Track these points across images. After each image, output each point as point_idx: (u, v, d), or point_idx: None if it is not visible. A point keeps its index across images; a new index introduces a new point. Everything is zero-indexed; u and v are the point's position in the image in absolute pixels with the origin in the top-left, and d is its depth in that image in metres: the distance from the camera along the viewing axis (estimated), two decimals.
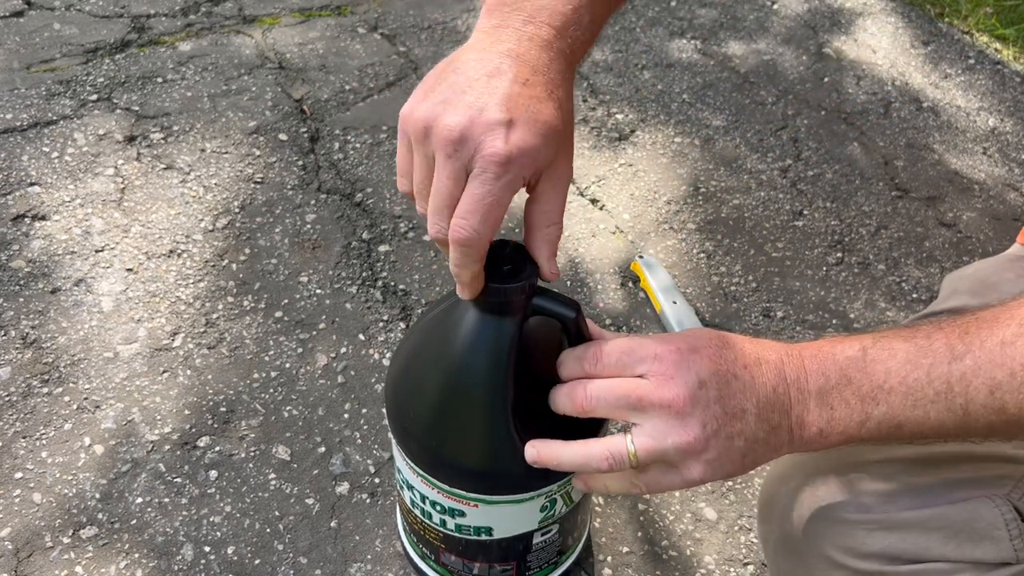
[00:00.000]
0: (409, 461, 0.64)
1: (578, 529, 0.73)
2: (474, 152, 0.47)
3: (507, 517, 0.65)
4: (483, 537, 0.66)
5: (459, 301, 0.59)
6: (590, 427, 0.62)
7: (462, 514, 0.65)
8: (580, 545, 0.76)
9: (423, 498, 0.66)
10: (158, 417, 0.89)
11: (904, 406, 0.49)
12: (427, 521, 0.68)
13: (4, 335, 0.95)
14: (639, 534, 0.83)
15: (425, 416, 0.61)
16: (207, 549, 0.79)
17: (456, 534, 0.67)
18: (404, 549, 0.77)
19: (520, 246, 0.56)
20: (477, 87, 0.48)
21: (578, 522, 0.72)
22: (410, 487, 0.67)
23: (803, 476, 0.64)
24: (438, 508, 0.65)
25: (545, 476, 0.61)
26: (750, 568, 0.81)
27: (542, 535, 0.67)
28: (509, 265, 0.56)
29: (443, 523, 0.66)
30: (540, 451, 0.55)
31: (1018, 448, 0.60)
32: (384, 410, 0.91)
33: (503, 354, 0.57)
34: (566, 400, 0.54)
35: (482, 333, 0.57)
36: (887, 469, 0.60)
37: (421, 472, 0.63)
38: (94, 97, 1.27)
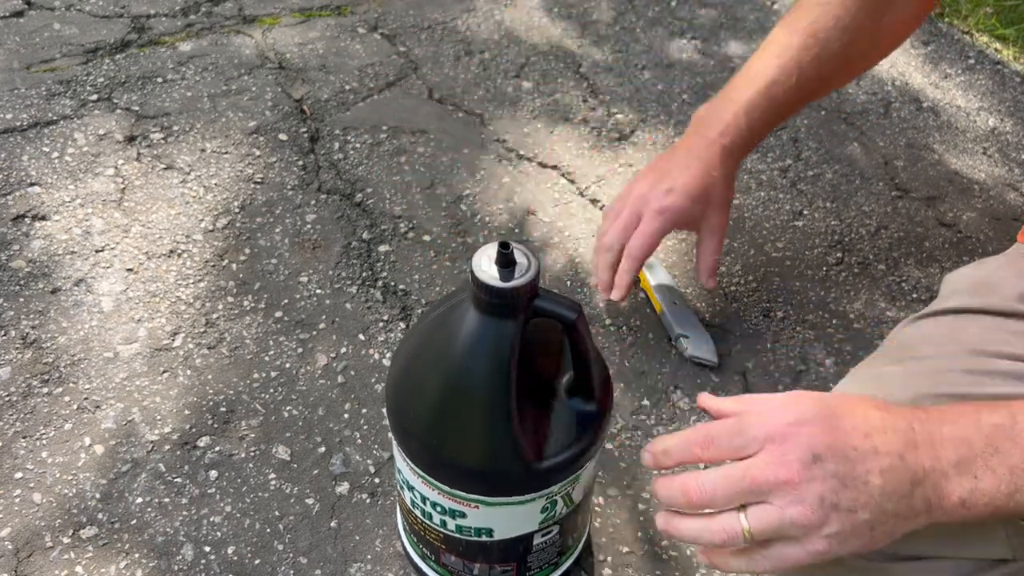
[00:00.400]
0: (410, 462, 0.64)
1: (578, 530, 0.74)
2: (645, 206, 0.90)
3: (508, 518, 0.64)
4: (483, 538, 0.66)
5: (461, 302, 0.59)
6: (592, 430, 0.63)
7: (463, 515, 0.65)
8: (580, 545, 0.76)
9: (423, 499, 0.66)
10: (158, 417, 0.89)
11: None
12: (427, 522, 0.68)
13: (4, 335, 0.95)
14: (639, 534, 0.83)
15: (426, 416, 0.61)
16: (207, 549, 0.79)
17: (456, 535, 0.67)
18: (404, 549, 0.77)
19: (522, 248, 0.57)
20: (664, 171, 0.91)
21: (578, 523, 0.72)
22: (410, 488, 0.67)
23: None
24: (439, 509, 0.65)
25: (546, 478, 0.62)
26: None
27: (543, 536, 0.67)
28: (511, 266, 0.55)
29: (443, 524, 0.66)
30: (668, 523, 0.53)
31: None
32: (384, 410, 0.91)
33: (505, 355, 0.57)
34: (679, 495, 0.51)
35: (484, 334, 0.57)
36: None
37: (422, 473, 0.63)
38: (94, 97, 1.27)
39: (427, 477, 0.63)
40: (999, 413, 0.49)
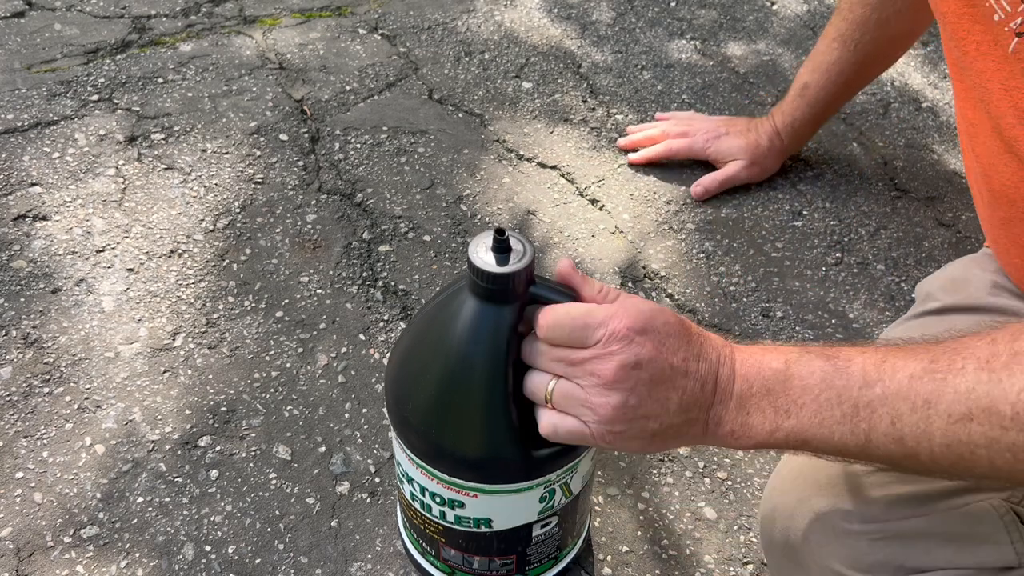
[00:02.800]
0: (408, 452, 0.64)
1: (578, 525, 0.74)
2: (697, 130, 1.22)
3: (506, 507, 0.65)
4: (483, 529, 0.66)
5: (459, 290, 0.59)
6: None
7: (461, 505, 0.65)
8: (580, 542, 0.76)
9: (423, 490, 0.66)
10: (159, 417, 0.89)
11: (812, 423, 0.51)
12: (427, 514, 0.68)
13: (5, 335, 0.96)
14: (639, 533, 0.83)
15: (423, 405, 0.61)
16: (208, 548, 0.80)
17: (456, 526, 0.67)
18: (404, 546, 0.77)
19: (517, 235, 0.57)
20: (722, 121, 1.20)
21: (577, 517, 0.72)
22: (409, 479, 0.67)
23: (803, 489, 0.63)
24: (437, 500, 0.65)
25: (544, 466, 0.62)
26: (749, 567, 0.81)
27: (542, 527, 0.68)
28: (507, 252, 0.56)
29: (443, 515, 0.66)
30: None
31: None
32: (385, 408, 0.92)
33: (502, 341, 0.57)
34: (525, 352, 0.58)
35: (481, 321, 0.58)
36: (887, 478, 0.60)
37: (420, 462, 0.63)
38: (95, 97, 1.27)
39: (425, 466, 0.63)
40: (778, 359, 0.54)
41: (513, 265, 0.56)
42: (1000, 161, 0.63)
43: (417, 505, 0.68)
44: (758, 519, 0.71)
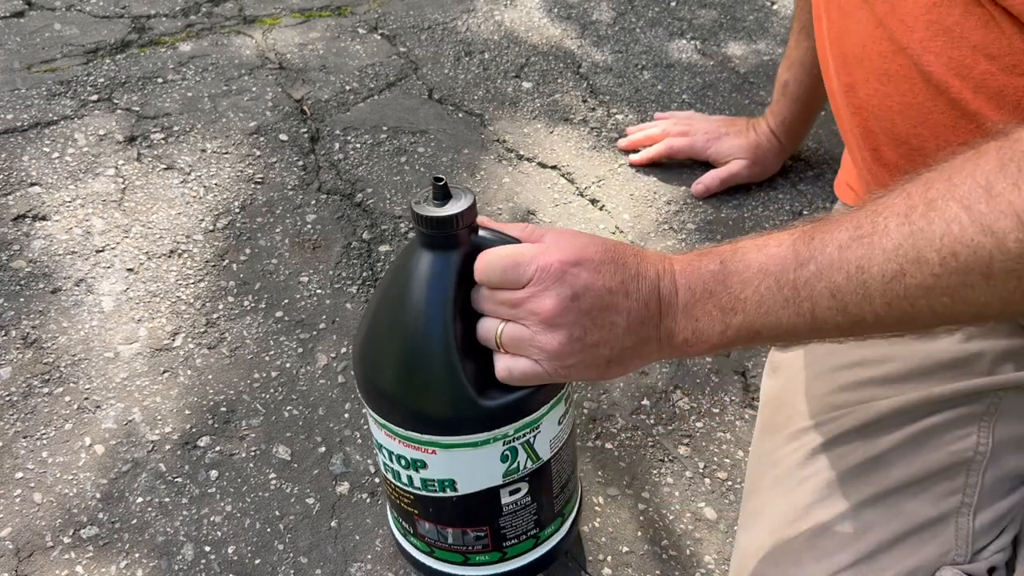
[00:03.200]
0: (372, 412, 0.65)
1: (558, 503, 0.72)
2: (698, 131, 1.19)
3: (467, 466, 0.64)
4: (449, 493, 0.66)
5: (411, 245, 0.61)
6: None
7: (424, 465, 0.65)
8: (566, 528, 0.74)
9: (389, 454, 0.66)
10: (159, 417, 0.89)
11: (758, 314, 0.52)
12: (397, 483, 0.68)
13: (5, 335, 0.95)
14: (638, 534, 0.83)
15: (378, 359, 0.62)
16: (207, 549, 0.79)
17: (423, 492, 0.66)
18: (392, 534, 0.77)
19: (460, 186, 0.60)
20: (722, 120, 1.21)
21: (556, 493, 0.71)
22: (379, 447, 0.67)
23: (781, 557, 0.64)
24: (402, 463, 0.65)
25: (496, 417, 0.62)
26: None
27: (510, 494, 0.67)
28: (447, 199, 0.58)
29: (410, 480, 0.66)
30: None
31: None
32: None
33: (448, 287, 0.58)
34: (475, 297, 0.59)
35: (427, 269, 0.59)
36: (857, 525, 0.62)
37: (382, 421, 0.64)
38: (95, 97, 1.27)
39: (387, 424, 0.63)
40: (713, 260, 0.55)
41: (452, 209, 0.57)
42: (853, 18, 0.64)
43: (389, 476, 0.68)
44: None
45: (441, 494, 0.66)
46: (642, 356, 0.57)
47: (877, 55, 0.60)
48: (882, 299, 0.47)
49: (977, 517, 0.61)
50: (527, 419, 0.63)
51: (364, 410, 0.68)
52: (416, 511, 0.69)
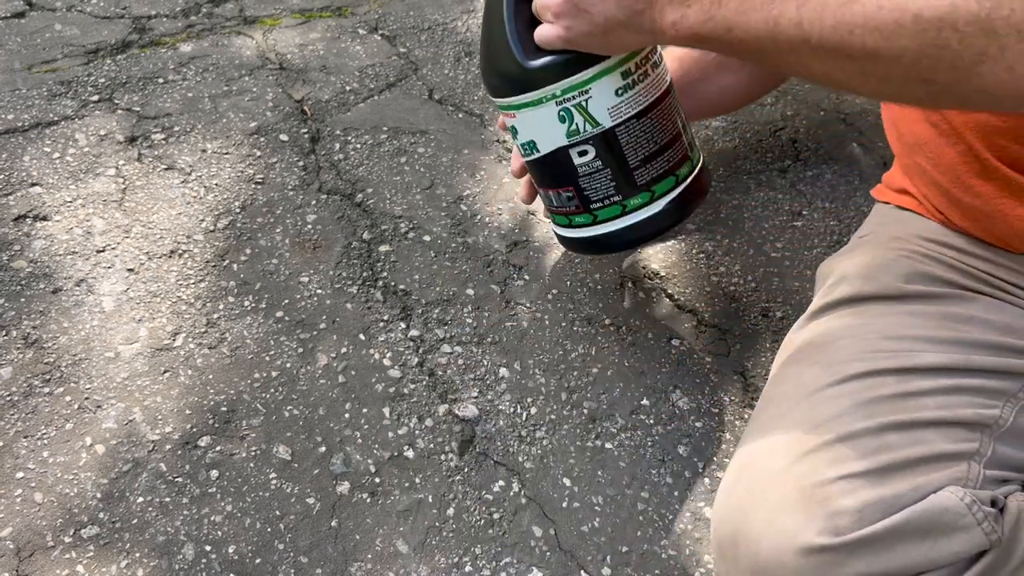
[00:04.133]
0: (490, 98, 0.86)
1: (637, 174, 0.81)
2: None
3: (535, 125, 0.80)
4: (535, 154, 0.82)
5: None
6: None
7: (516, 132, 0.83)
8: (658, 206, 0.83)
9: (511, 131, 0.84)
10: (159, 417, 0.89)
11: (737, 12, 0.61)
12: (523, 156, 0.85)
13: (5, 335, 0.96)
14: (638, 533, 0.83)
15: (479, 49, 0.84)
16: (208, 548, 0.80)
17: (528, 156, 0.84)
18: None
19: None
20: None
21: (630, 162, 0.80)
22: (508, 129, 0.85)
23: (765, 508, 0.63)
24: (514, 133, 0.84)
25: (541, 76, 0.76)
26: None
27: (580, 156, 0.80)
28: None
29: (522, 149, 0.84)
30: None
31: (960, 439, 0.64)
32: (382, 412, 0.92)
33: None
34: None
35: None
36: (851, 485, 0.61)
37: (492, 99, 0.83)
38: (95, 98, 1.27)
39: (491, 98, 0.83)
40: None
41: None
42: None
43: (520, 152, 0.85)
44: (712, 542, 0.69)
45: (532, 156, 0.83)
46: (636, 30, 0.68)
47: None
48: (832, 20, 0.55)
49: (987, 471, 0.64)
50: (569, 80, 0.75)
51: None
52: (535, 182, 0.89)
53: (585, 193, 0.81)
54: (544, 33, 0.73)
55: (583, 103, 0.76)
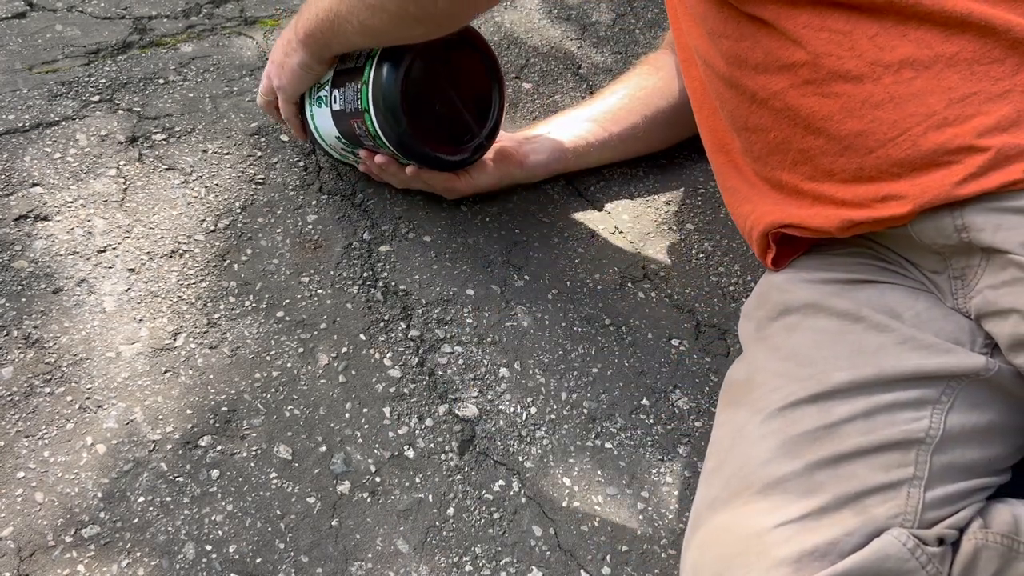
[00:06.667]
0: None
1: None
2: None
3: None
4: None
5: None
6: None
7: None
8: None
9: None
10: (160, 416, 0.90)
11: (310, 14, 0.92)
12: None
13: (6, 335, 0.96)
14: (638, 533, 0.84)
15: None
16: (209, 548, 0.80)
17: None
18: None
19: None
20: None
21: None
22: None
23: (714, 564, 0.65)
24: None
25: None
26: None
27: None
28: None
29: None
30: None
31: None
32: (384, 409, 0.92)
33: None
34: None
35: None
36: (789, 532, 0.62)
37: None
38: (96, 98, 1.27)
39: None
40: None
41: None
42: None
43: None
44: None
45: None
46: (290, 54, 0.98)
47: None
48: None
49: (927, 492, 0.62)
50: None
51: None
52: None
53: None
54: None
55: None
